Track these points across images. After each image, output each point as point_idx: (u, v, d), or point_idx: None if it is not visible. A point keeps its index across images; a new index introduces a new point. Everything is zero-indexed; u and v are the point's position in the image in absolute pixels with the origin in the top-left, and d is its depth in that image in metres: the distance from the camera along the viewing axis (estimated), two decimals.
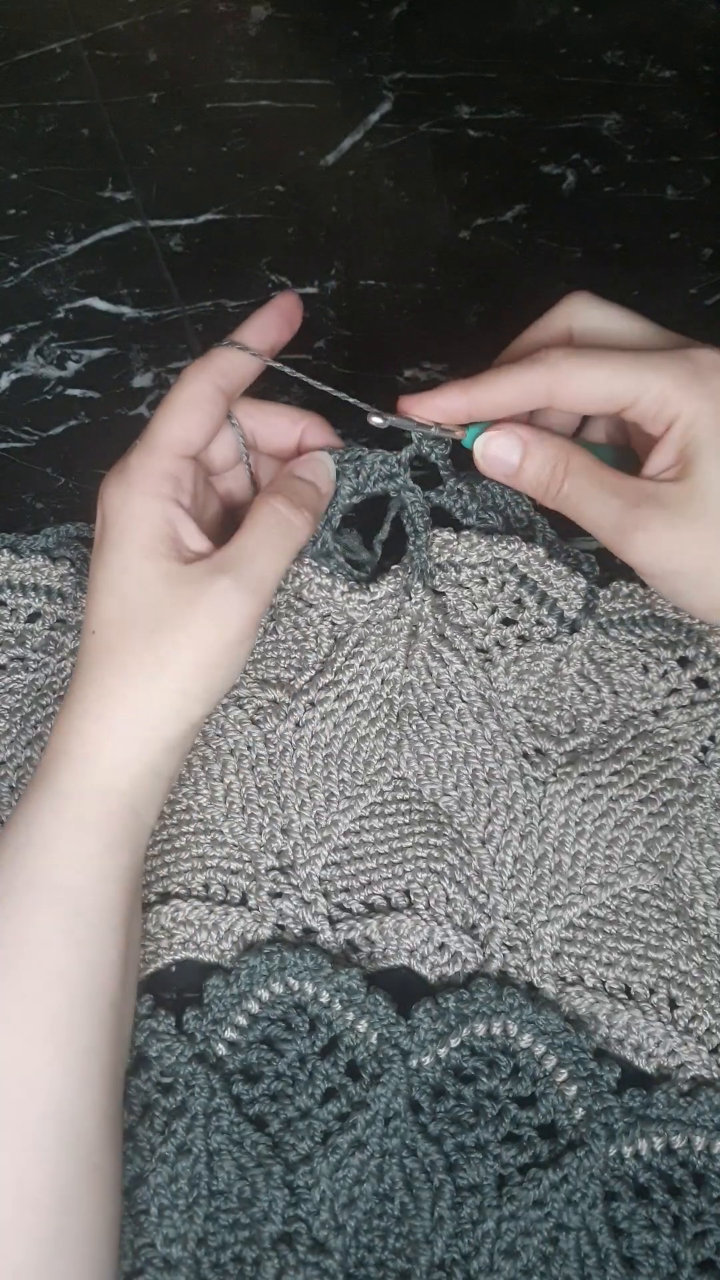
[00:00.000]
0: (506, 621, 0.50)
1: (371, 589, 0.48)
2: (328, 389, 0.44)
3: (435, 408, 0.43)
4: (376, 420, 0.43)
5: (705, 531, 0.39)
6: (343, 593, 0.48)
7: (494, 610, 0.50)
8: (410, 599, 0.48)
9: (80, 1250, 0.34)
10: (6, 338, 0.64)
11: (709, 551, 0.39)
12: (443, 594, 0.50)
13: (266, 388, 0.61)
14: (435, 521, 0.48)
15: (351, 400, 0.44)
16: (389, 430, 0.45)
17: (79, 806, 0.38)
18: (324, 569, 0.48)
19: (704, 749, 0.48)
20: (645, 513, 0.39)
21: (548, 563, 0.49)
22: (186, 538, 0.41)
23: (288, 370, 0.44)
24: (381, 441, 0.46)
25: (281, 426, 0.45)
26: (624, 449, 0.47)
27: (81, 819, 0.38)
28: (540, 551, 0.48)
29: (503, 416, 0.43)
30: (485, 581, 0.50)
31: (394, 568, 0.49)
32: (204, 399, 0.42)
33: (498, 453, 0.42)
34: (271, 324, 0.44)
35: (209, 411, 0.42)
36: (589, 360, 0.40)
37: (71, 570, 0.53)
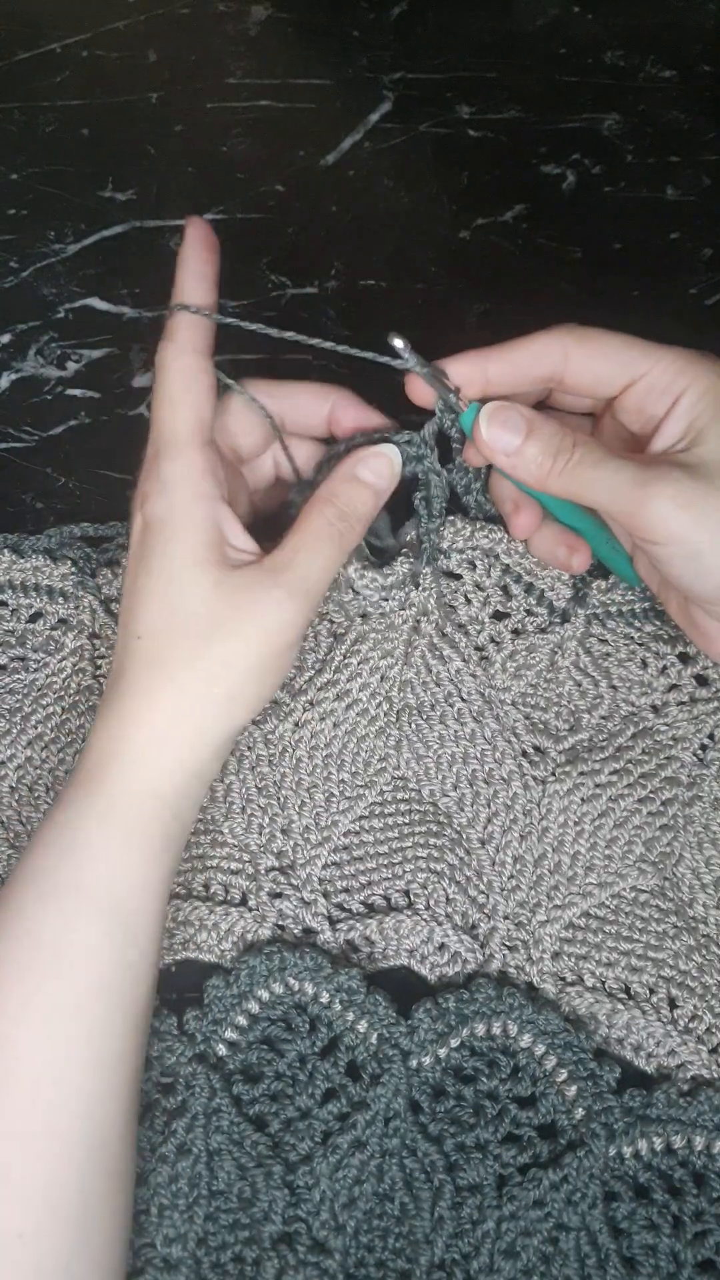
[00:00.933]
0: (498, 615, 0.50)
1: (384, 571, 0.47)
2: (293, 337, 0.42)
3: (452, 373, 0.42)
4: (398, 343, 0.41)
5: (712, 501, 0.38)
6: (357, 568, 0.47)
7: (486, 601, 0.50)
8: (419, 588, 0.48)
9: (99, 1255, 0.35)
10: (6, 338, 0.64)
11: (712, 523, 0.38)
12: (458, 575, 0.49)
13: (296, 367, 0.61)
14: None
15: (355, 352, 0.42)
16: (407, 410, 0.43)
17: (125, 814, 0.38)
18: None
19: (703, 747, 0.48)
20: (655, 486, 0.38)
21: (529, 554, 0.49)
22: (232, 538, 0.40)
23: (246, 325, 0.42)
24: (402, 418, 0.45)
25: (307, 405, 0.44)
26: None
27: (128, 828, 0.38)
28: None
29: (517, 390, 0.42)
30: (474, 566, 0.50)
31: (403, 551, 0.48)
32: (194, 374, 0.41)
33: (500, 429, 0.40)
34: (197, 260, 0.42)
35: (203, 383, 0.41)
36: (604, 332, 0.41)
37: (73, 570, 0.53)
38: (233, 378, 0.43)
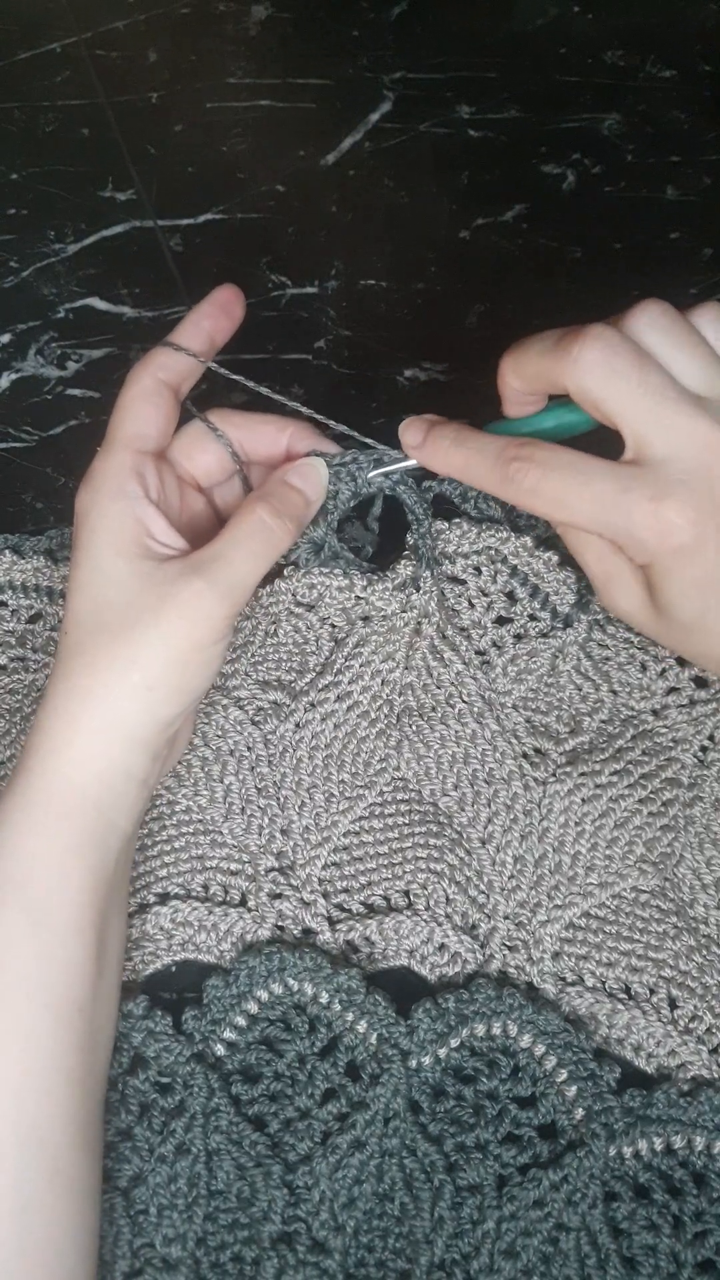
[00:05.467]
0: (501, 620, 0.50)
1: (388, 574, 0.48)
2: (264, 390, 0.45)
3: (516, 396, 0.43)
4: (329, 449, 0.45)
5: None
6: (363, 587, 0.48)
7: (489, 606, 0.50)
8: (419, 590, 0.48)
9: (44, 1255, 0.34)
10: (6, 338, 0.64)
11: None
12: (463, 580, 0.50)
13: (295, 367, 0.61)
14: (435, 510, 0.48)
15: (307, 412, 0.45)
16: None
17: (44, 805, 0.38)
18: (336, 571, 0.48)
19: (703, 748, 0.48)
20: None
21: (536, 552, 0.49)
22: (158, 534, 0.41)
23: (223, 371, 0.45)
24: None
25: (268, 435, 0.45)
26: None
27: (45, 818, 0.38)
28: (528, 540, 0.48)
29: (538, 386, 0.42)
30: (479, 572, 0.50)
31: (404, 555, 0.48)
32: (149, 393, 0.43)
33: (404, 433, 0.44)
34: (207, 318, 0.45)
35: (157, 404, 0.43)
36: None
37: None
38: (221, 386, 0.44)
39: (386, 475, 0.46)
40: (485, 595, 0.50)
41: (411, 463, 0.45)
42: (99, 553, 0.40)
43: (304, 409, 0.45)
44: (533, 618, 0.50)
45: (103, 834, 0.39)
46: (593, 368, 0.37)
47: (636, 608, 0.42)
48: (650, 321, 0.39)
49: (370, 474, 0.46)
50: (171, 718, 0.40)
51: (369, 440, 0.45)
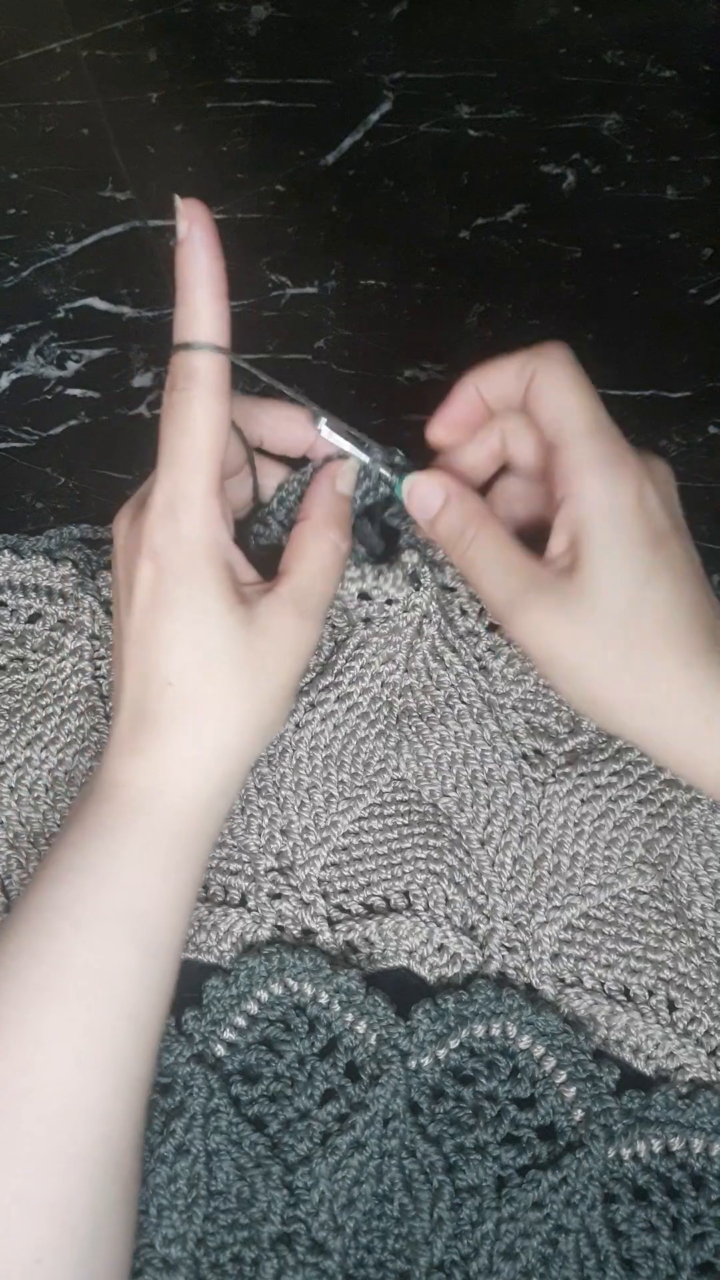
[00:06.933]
0: (493, 627, 0.50)
1: (395, 565, 0.47)
2: (279, 385, 0.42)
3: (459, 420, 0.43)
4: (323, 425, 0.43)
5: (583, 633, 0.38)
6: (375, 576, 0.46)
7: (481, 613, 0.50)
8: (419, 588, 0.48)
9: (108, 1273, 0.35)
10: (6, 338, 0.64)
11: (583, 648, 0.39)
12: (453, 589, 0.49)
13: (295, 367, 0.61)
14: None
15: (305, 401, 0.43)
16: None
17: (166, 850, 0.39)
18: (348, 562, 0.47)
19: None
20: (530, 600, 0.39)
21: None
22: (243, 574, 0.41)
23: (244, 365, 0.41)
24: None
25: (295, 430, 0.44)
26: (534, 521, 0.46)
27: (166, 861, 0.38)
28: None
29: (507, 402, 0.42)
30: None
31: (407, 547, 0.48)
32: (224, 420, 0.38)
33: (423, 497, 0.42)
34: (218, 297, 0.39)
35: (225, 427, 0.39)
36: (576, 379, 0.40)
37: (73, 571, 0.53)
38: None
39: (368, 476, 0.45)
40: (477, 601, 0.50)
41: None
42: (199, 606, 0.38)
43: (313, 404, 0.43)
44: None
45: (203, 853, 0.40)
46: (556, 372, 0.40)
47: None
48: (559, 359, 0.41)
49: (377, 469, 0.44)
50: (272, 739, 0.42)
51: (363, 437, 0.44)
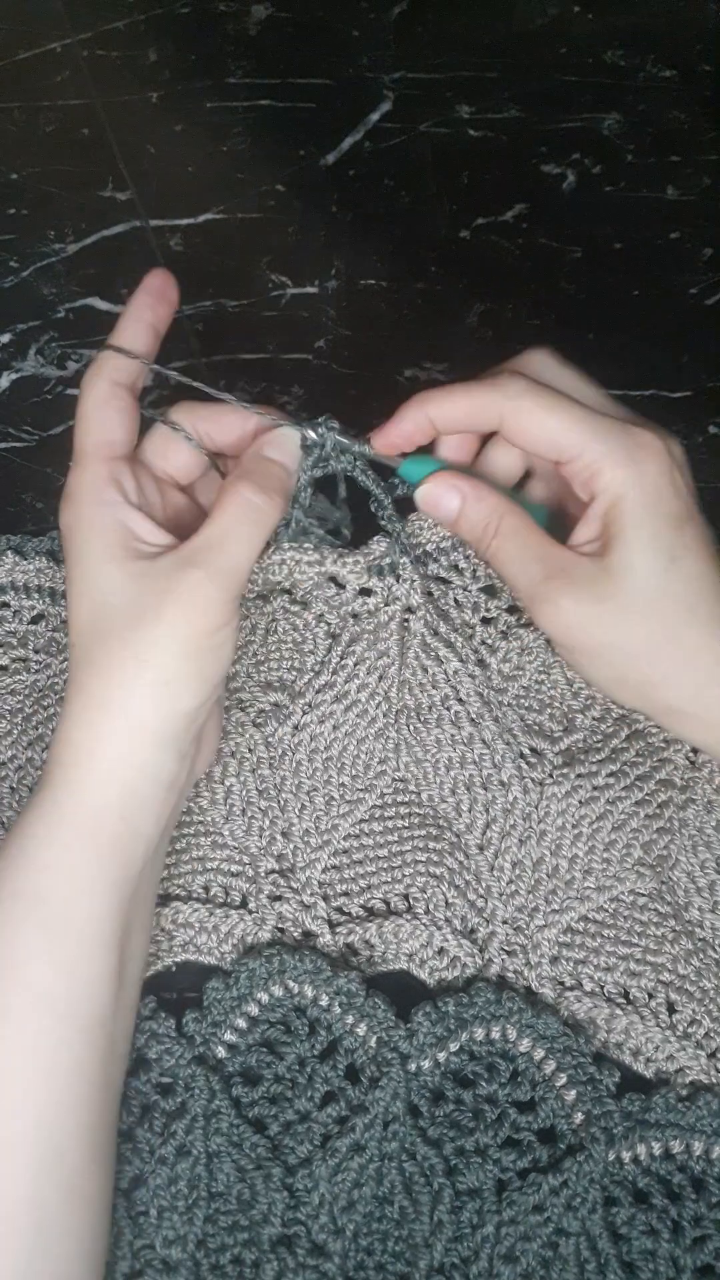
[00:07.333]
0: (486, 621, 0.50)
1: (359, 551, 0.48)
2: (207, 389, 0.44)
3: (404, 436, 0.43)
4: (310, 434, 0.43)
5: (612, 613, 0.40)
6: (333, 561, 0.47)
7: (475, 606, 0.50)
8: (399, 580, 0.47)
9: (56, 1270, 0.34)
10: (6, 338, 0.64)
11: (611, 634, 0.40)
12: (447, 580, 0.50)
13: (294, 366, 0.61)
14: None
15: (253, 409, 0.43)
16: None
17: (64, 817, 0.38)
18: (306, 546, 0.47)
19: (695, 750, 0.48)
20: (557, 585, 0.41)
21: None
22: (145, 535, 0.41)
23: (164, 370, 0.44)
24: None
25: (233, 422, 0.44)
26: (558, 512, 0.47)
27: (64, 830, 0.38)
28: None
29: (460, 430, 0.43)
30: (460, 570, 0.50)
31: (378, 536, 0.48)
32: (107, 398, 0.42)
33: (439, 499, 0.43)
34: (147, 310, 0.44)
35: (117, 408, 0.42)
36: (544, 403, 0.40)
37: None
38: (220, 379, 0.44)
39: (341, 454, 0.44)
40: (468, 593, 0.50)
41: (367, 449, 0.44)
42: (90, 562, 0.40)
43: (251, 406, 0.44)
44: (512, 609, 0.50)
45: (126, 842, 0.38)
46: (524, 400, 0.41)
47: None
48: (543, 363, 0.43)
49: (329, 447, 0.44)
50: (193, 710, 0.39)
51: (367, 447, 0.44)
